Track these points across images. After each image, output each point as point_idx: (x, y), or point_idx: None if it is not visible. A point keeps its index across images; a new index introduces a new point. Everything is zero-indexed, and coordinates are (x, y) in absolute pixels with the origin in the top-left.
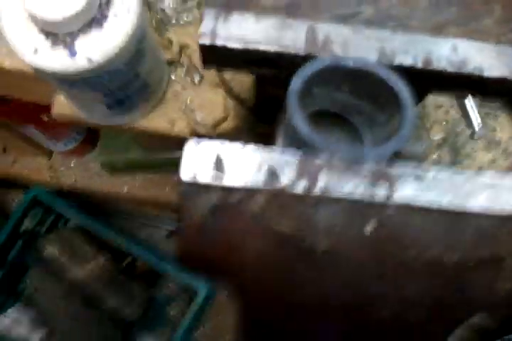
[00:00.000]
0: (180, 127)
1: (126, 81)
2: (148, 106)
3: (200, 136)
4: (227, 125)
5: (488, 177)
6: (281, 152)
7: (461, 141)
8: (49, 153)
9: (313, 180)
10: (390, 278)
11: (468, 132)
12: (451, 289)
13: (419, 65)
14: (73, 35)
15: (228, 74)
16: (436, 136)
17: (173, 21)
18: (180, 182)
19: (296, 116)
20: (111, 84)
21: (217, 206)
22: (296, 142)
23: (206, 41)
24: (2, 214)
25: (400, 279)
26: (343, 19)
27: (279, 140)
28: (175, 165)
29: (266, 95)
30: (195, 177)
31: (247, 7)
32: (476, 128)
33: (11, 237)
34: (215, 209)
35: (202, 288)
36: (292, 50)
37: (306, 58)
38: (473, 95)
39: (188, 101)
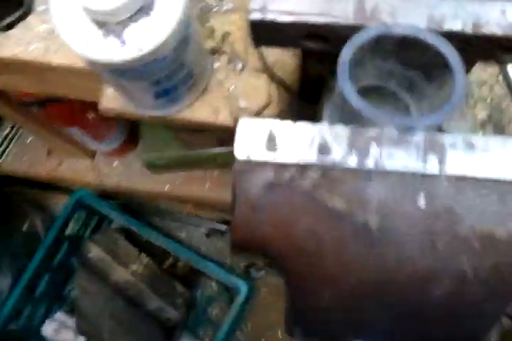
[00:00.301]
0: (224, 116)
1: (173, 70)
2: (192, 95)
3: None
4: (271, 110)
5: None
6: (331, 127)
7: (506, 119)
8: (92, 154)
9: (364, 153)
10: (445, 253)
11: None
12: (506, 264)
13: (469, 29)
14: (123, 24)
15: (271, 58)
16: (481, 113)
17: (215, 9)
18: (235, 160)
19: (347, 86)
20: (158, 73)
21: (272, 183)
22: (346, 115)
23: (257, 16)
24: (50, 218)
25: (455, 254)
26: None
27: (326, 116)
28: (216, 161)
29: (311, 74)
30: (249, 155)
31: None
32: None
33: (56, 241)
34: (269, 187)
35: (243, 288)
36: (342, 21)
37: (355, 28)
38: None
39: (231, 89)
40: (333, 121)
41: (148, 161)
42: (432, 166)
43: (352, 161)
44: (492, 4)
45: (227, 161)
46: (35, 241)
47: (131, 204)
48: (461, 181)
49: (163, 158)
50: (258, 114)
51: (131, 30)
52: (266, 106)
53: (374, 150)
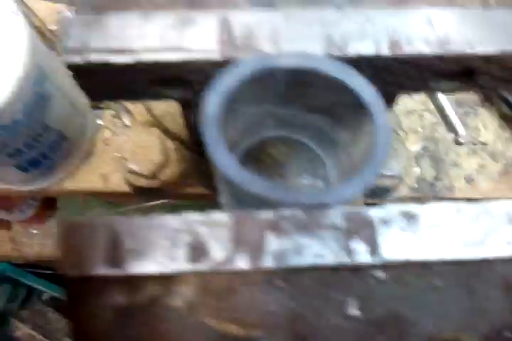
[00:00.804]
0: (116, 181)
1: (34, 135)
2: (72, 161)
3: (139, 188)
4: (170, 171)
5: (504, 206)
6: (205, 215)
7: (443, 149)
8: (7, 225)
9: (258, 249)
10: None
11: (449, 137)
12: None
13: (385, 51)
14: None
15: (158, 110)
16: (414, 146)
17: None
18: (65, 278)
19: (218, 151)
20: (13, 141)
21: (125, 309)
22: (231, 188)
23: (77, 59)
24: None
25: None
26: (268, 1)
27: (221, 192)
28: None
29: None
30: (86, 270)
31: (128, 4)
32: (460, 131)
33: None
34: (121, 314)
35: None
36: (202, 55)
37: (223, 64)
38: (459, 90)
39: (121, 149)
40: (225, 199)
41: None
42: (359, 256)
43: (241, 262)
44: (413, 12)
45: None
46: None
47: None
48: (405, 271)
49: None
50: (154, 175)
51: None
52: (162, 166)
53: (272, 242)
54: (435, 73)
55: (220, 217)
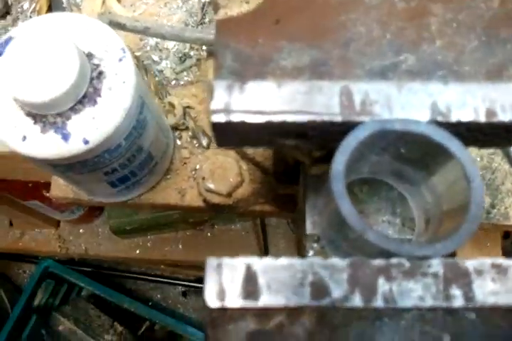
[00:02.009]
0: (191, 197)
1: (129, 156)
2: (154, 178)
3: (214, 205)
4: (244, 190)
5: None
6: (325, 260)
7: (499, 178)
8: (56, 223)
9: (371, 290)
10: None
11: (505, 167)
12: None
13: (482, 118)
14: (64, 116)
15: None
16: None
17: (173, 82)
18: (205, 308)
19: (346, 206)
20: (112, 162)
21: (254, 333)
22: (337, 227)
23: (221, 119)
24: (15, 288)
25: None
26: (382, 73)
27: (309, 223)
28: (188, 221)
29: (286, 158)
30: (223, 302)
31: (265, 73)
32: None
33: (24, 312)
34: (253, 337)
35: None
36: (327, 118)
37: (343, 125)
38: None
39: (197, 167)
40: (316, 228)
41: (115, 227)
42: (455, 300)
43: (356, 301)
44: (506, 86)
45: (202, 220)
46: (1, 315)
47: (102, 269)
48: (494, 314)
49: (132, 223)
50: (229, 194)
51: (74, 122)
52: (237, 186)
53: (383, 285)
54: None
55: (339, 262)
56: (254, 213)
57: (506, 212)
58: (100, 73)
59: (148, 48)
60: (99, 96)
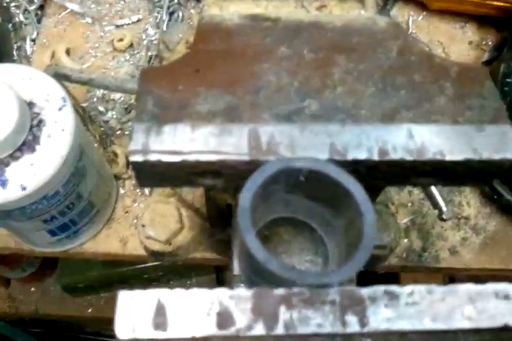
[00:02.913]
0: (133, 245)
1: (68, 204)
2: (96, 226)
3: (154, 252)
4: (183, 237)
5: (466, 289)
6: (231, 290)
7: (429, 222)
8: (6, 281)
9: (273, 319)
10: None
11: (435, 211)
12: None
13: (375, 157)
14: (3, 163)
15: None
16: (404, 219)
17: (118, 132)
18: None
19: (250, 238)
20: (50, 209)
21: None
22: (253, 264)
23: (139, 158)
24: None
25: None
26: (287, 117)
27: (236, 263)
28: (145, 277)
29: (217, 203)
30: (134, 334)
31: (181, 117)
32: (444, 208)
33: None
34: None
35: None
36: (235, 157)
37: (251, 163)
38: (436, 184)
39: (139, 216)
40: (242, 264)
41: (67, 284)
42: (351, 327)
43: (259, 329)
44: (397, 127)
45: (156, 276)
46: None
47: (54, 330)
48: (387, 339)
49: (84, 280)
50: (168, 241)
51: (12, 169)
52: (177, 233)
53: (284, 313)
54: (415, 173)
55: (244, 292)
56: (195, 260)
57: (437, 255)
58: (40, 121)
59: (95, 99)
60: (38, 144)
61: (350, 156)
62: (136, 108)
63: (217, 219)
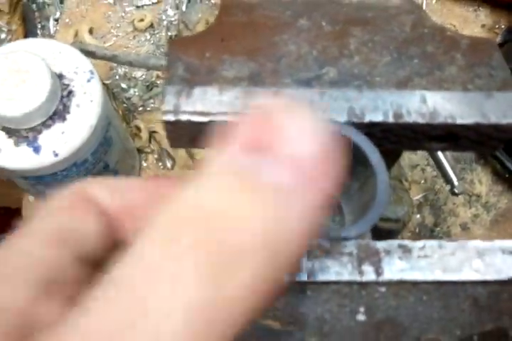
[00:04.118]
0: None
1: (95, 172)
2: None
3: None
4: None
5: (475, 245)
6: None
7: (441, 199)
8: None
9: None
10: None
11: (447, 188)
12: None
13: (390, 119)
14: (36, 130)
15: (200, 156)
16: (417, 195)
17: (140, 108)
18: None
19: None
20: (79, 177)
21: None
22: None
23: (171, 117)
24: None
25: None
26: (307, 83)
27: None
28: None
29: None
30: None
31: (209, 81)
32: (455, 183)
33: None
34: None
35: None
36: None
37: None
38: (446, 149)
39: None
40: None
41: None
42: (367, 275)
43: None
44: (411, 93)
45: None
46: None
47: None
48: (400, 288)
49: None
50: None
51: (45, 136)
52: None
53: (306, 262)
54: (427, 136)
55: None
56: None
57: (448, 231)
58: (70, 92)
59: (117, 77)
60: (68, 113)
61: (367, 119)
62: (167, 73)
63: None
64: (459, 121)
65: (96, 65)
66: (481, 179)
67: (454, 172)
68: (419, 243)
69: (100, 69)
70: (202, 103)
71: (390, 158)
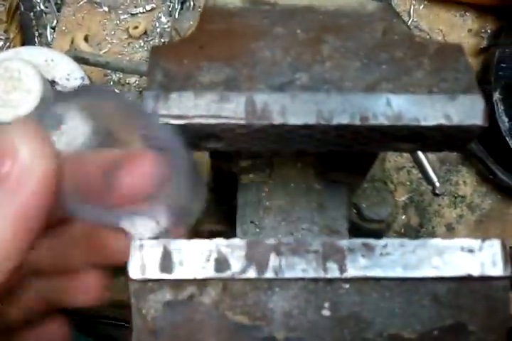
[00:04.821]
0: None
1: None
2: None
3: None
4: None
5: (435, 243)
6: (228, 240)
7: (427, 200)
8: None
9: (264, 264)
10: None
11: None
12: None
13: (357, 122)
14: None
15: None
16: (402, 197)
17: None
18: (129, 280)
19: None
20: None
21: (170, 302)
22: None
23: None
24: None
25: None
26: (280, 87)
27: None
28: None
29: (221, 172)
30: (144, 274)
31: (186, 86)
32: (436, 184)
33: None
34: (168, 306)
35: None
36: (234, 121)
37: (247, 127)
38: (416, 150)
39: None
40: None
41: None
42: (332, 272)
43: (251, 273)
44: (377, 97)
45: None
46: None
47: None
48: (363, 284)
49: None
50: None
51: None
52: None
53: (273, 260)
54: (394, 138)
55: (239, 242)
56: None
57: (433, 231)
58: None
59: (111, 83)
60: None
61: (335, 121)
62: (148, 79)
63: (222, 189)
64: (423, 123)
65: (90, 72)
66: (465, 180)
67: (436, 173)
68: (382, 241)
69: (95, 75)
70: (178, 107)
71: (367, 159)
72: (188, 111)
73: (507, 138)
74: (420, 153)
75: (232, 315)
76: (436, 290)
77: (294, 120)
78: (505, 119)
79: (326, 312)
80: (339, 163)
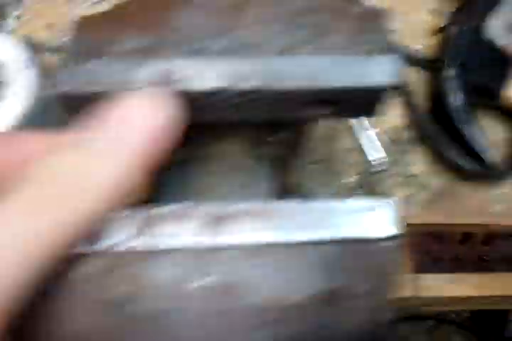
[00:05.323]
0: None
1: None
2: None
3: None
4: None
5: (327, 205)
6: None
7: (377, 180)
8: None
9: (138, 233)
10: (238, 332)
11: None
12: (312, 331)
13: (271, 84)
14: None
15: None
16: (350, 178)
17: None
18: None
19: None
20: None
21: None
22: None
23: (64, 88)
24: None
25: (250, 330)
26: (196, 53)
27: None
28: None
29: None
30: None
31: (103, 54)
32: (373, 163)
33: None
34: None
35: None
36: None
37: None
38: (330, 117)
39: None
40: None
41: None
42: (220, 237)
43: (125, 244)
44: (293, 59)
45: None
46: None
47: None
48: (248, 250)
49: None
50: None
51: None
52: None
53: (154, 228)
54: (309, 100)
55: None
56: None
57: None
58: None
59: None
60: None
61: (248, 85)
62: (66, 47)
63: None
64: (335, 84)
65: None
66: (417, 160)
67: (380, 151)
68: (273, 205)
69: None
70: (94, 75)
71: (293, 131)
72: (104, 78)
73: (453, 117)
74: (368, 132)
75: (107, 290)
76: (327, 253)
77: (208, 84)
78: (458, 97)
79: (211, 280)
80: (266, 136)
